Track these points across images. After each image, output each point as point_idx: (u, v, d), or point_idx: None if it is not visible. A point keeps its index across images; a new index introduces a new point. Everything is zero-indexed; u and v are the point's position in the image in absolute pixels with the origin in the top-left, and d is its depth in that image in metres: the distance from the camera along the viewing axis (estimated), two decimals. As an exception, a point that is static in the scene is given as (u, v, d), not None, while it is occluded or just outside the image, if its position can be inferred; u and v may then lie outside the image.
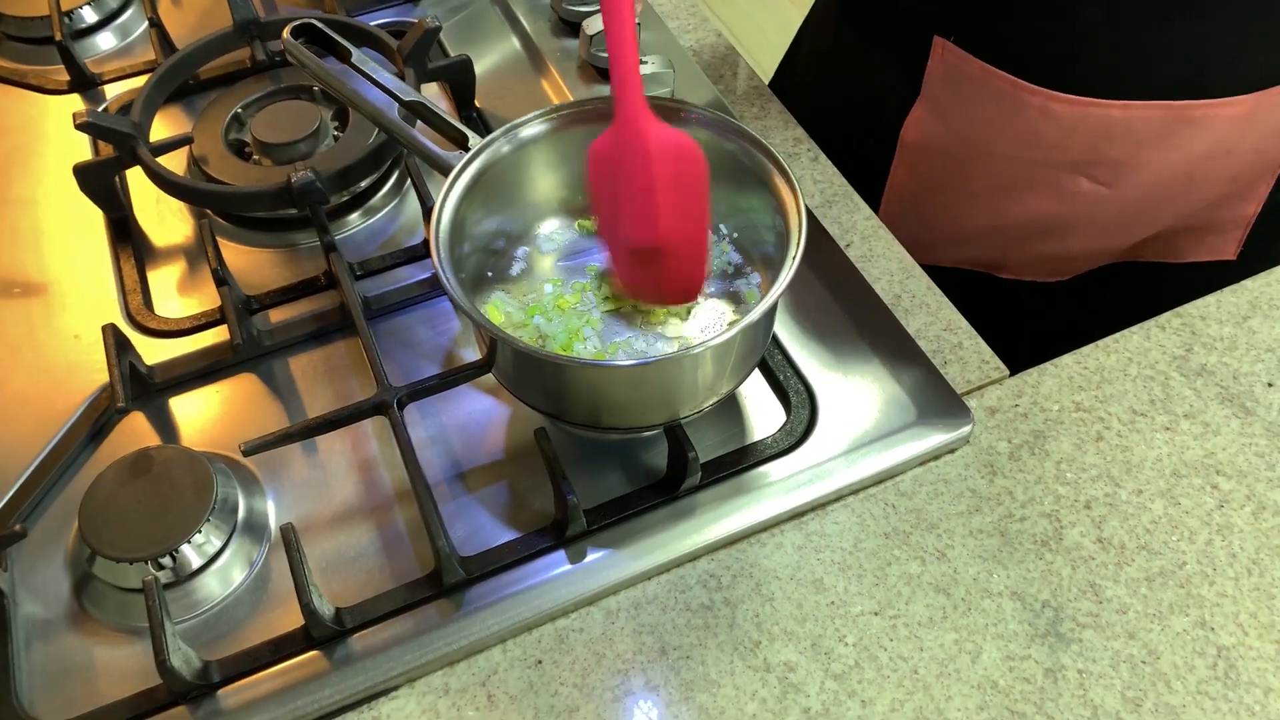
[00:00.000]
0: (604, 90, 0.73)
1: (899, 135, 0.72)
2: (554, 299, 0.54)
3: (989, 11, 0.64)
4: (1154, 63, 0.62)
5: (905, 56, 0.69)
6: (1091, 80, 0.63)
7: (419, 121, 0.56)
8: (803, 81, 0.85)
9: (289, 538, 0.47)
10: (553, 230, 0.57)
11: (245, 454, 0.50)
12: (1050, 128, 0.65)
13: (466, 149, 0.53)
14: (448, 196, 0.50)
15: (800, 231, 0.48)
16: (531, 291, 0.55)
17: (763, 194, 0.51)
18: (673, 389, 0.49)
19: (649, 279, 0.52)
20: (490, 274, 0.55)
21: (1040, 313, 0.73)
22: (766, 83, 0.80)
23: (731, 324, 0.49)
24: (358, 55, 0.56)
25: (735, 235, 0.55)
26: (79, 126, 0.63)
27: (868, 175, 0.73)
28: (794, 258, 0.47)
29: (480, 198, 0.52)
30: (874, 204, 0.74)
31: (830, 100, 0.79)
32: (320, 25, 0.56)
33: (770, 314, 0.49)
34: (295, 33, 0.56)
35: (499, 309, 0.53)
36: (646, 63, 0.68)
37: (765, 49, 2.37)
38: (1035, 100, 0.64)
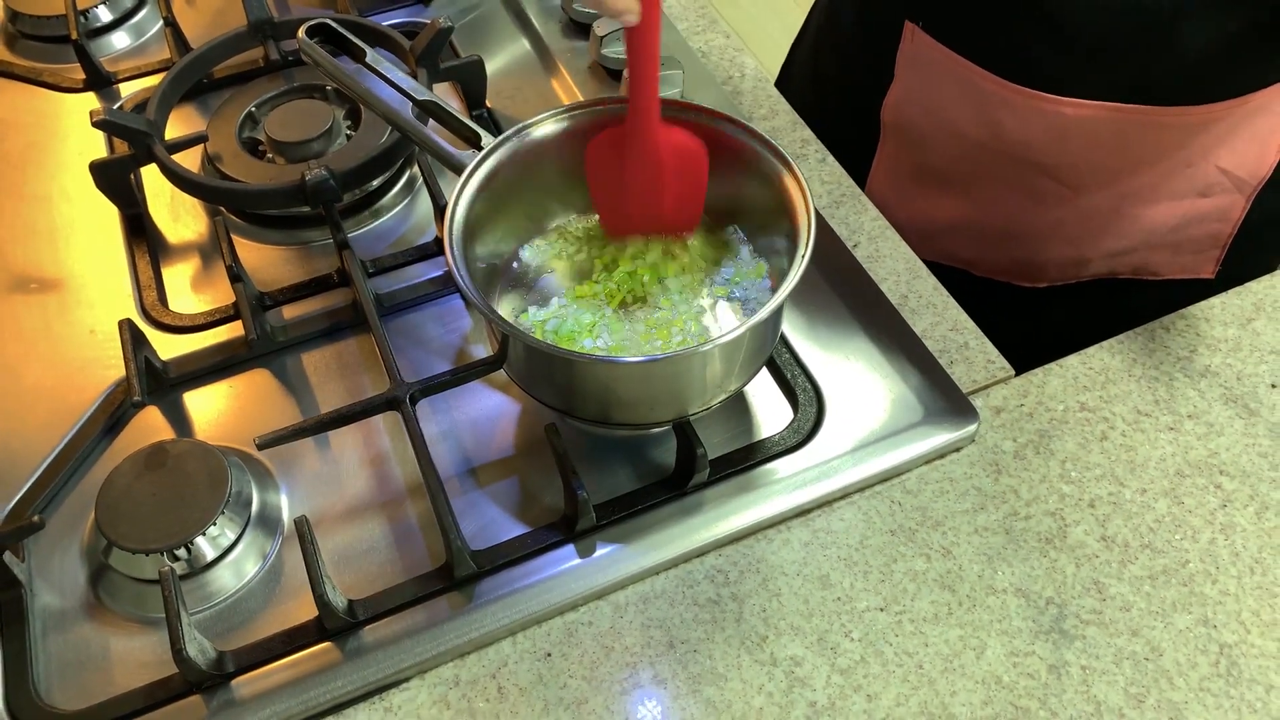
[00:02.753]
0: (614, 90, 0.73)
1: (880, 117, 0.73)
2: (567, 295, 0.54)
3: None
4: (1107, 65, 0.62)
5: (882, 38, 0.70)
6: (1045, 75, 0.63)
7: (431, 121, 0.57)
8: (801, 74, 0.86)
9: (303, 530, 0.48)
10: (564, 228, 0.58)
11: (260, 448, 0.51)
12: (1009, 119, 0.66)
13: (479, 148, 0.53)
14: (461, 194, 0.51)
15: (809, 231, 0.48)
16: (542, 288, 0.55)
17: (771, 193, 0.51)
18: (682, 385, 0.49)
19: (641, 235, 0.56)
20: (501, 271, 0.56)
21: (1021, 320, 0.73)
22: (773, 83, 0.81)
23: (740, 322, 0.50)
24: (372, 55, 0.57)
25: (744, 234, 0.56)
26: (96, 124, 0.63)
27: (863, 162, 0.74)
28: (803, 257, 0.47)
29: (493, 195, 0.53)
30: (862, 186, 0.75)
31: (824, 87, 0.80)
32: (335, 25, 0.57)
33: (778, 313, 0.49)
34: (310, 32, 0.57)
35: (510, 305, 0.54)
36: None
37: (770, 50, 2.38)
38: (994, 90, 0.65)
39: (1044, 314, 0.76)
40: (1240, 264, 0.71)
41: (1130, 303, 0.73)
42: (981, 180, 0.71)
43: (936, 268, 0.74)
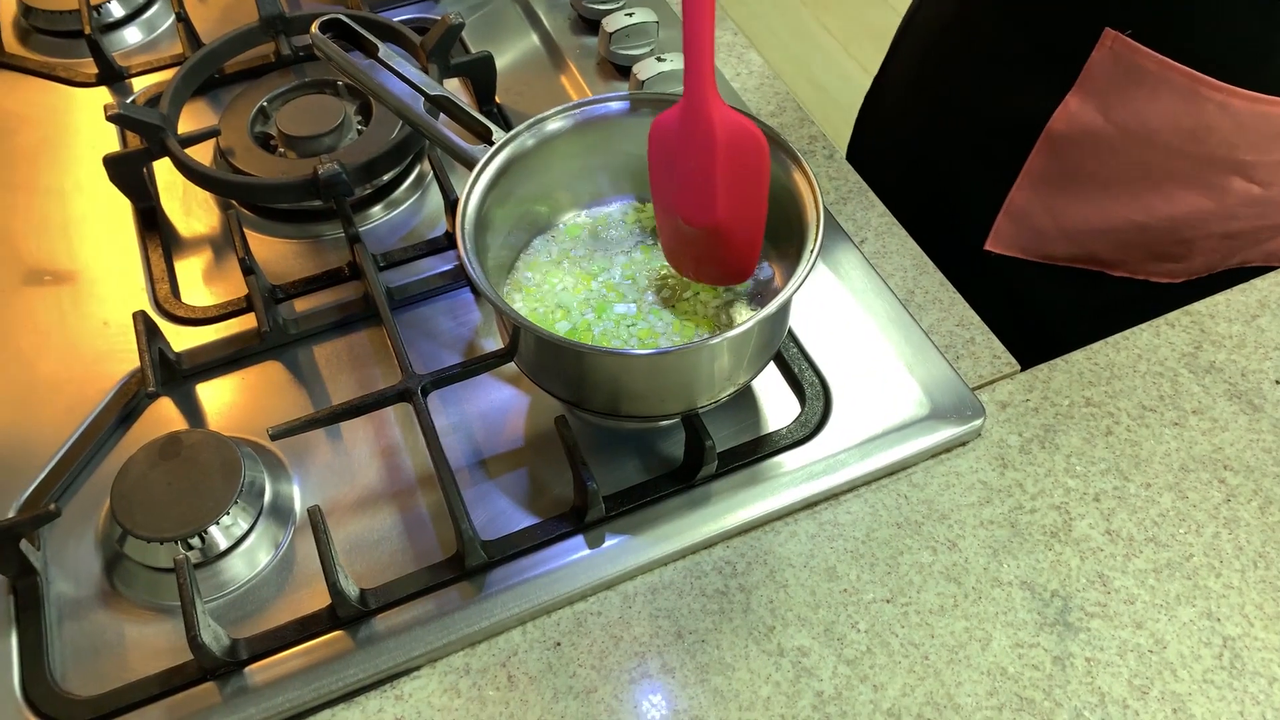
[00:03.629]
0: (623, 87, 0.74)
1: (1044, 125, 0.71)
2: (574, 289, 0.55)
3: (1173, 6, 0.63)
4: None
5: (1060, 49, 0.69)
6: (1274, 77, 0.62)
7: (443, 116, 0.58)
8: (904, 78, 0.85)
9: (317, 520, 0.48)
10: (574, 222, 0.58)
11: (273, 438, 0.51)
12: (1225, 123, 0.65)
13: (490, 142, 0.54)
14: (473, 188, 0.52)
15: (818, 227, 0.49)
16: (552, 282, 0.56)
17: (781, 189, 0.52)
18: (690, 378, 0.50)
19: (700, 258, 0.53)
20: (512, 264, 0.56)
21: (1145, 316, 0.73)
22: (773, 80, 0.81)
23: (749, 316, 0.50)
24: (384, 50, 0.57)
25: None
26: (110, 118, 0.64)
27: (991, 166, 0.73)
28: (812, 252, 0.48)
29: (504, 190, 0.53)
30: (1001, 191, 0.74)
31: (944, 100, 0.79)
32: (348, 20, 0.58)
33: (787, 307, 0.50)
34: (323, 27, 0.58)
35: (519, 298, 0.55)
36: (665, 60, 0.70)
37: (775, 48, 2.38)
38: (1215, 96, 0.64)
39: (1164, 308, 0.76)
40: None
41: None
42: (1157, 184, 0.70)
43: (1068, 271, 0.73)
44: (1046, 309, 0.76)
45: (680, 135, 0.51)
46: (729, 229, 0.51)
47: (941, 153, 0.76)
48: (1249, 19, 0.62)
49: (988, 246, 0.75)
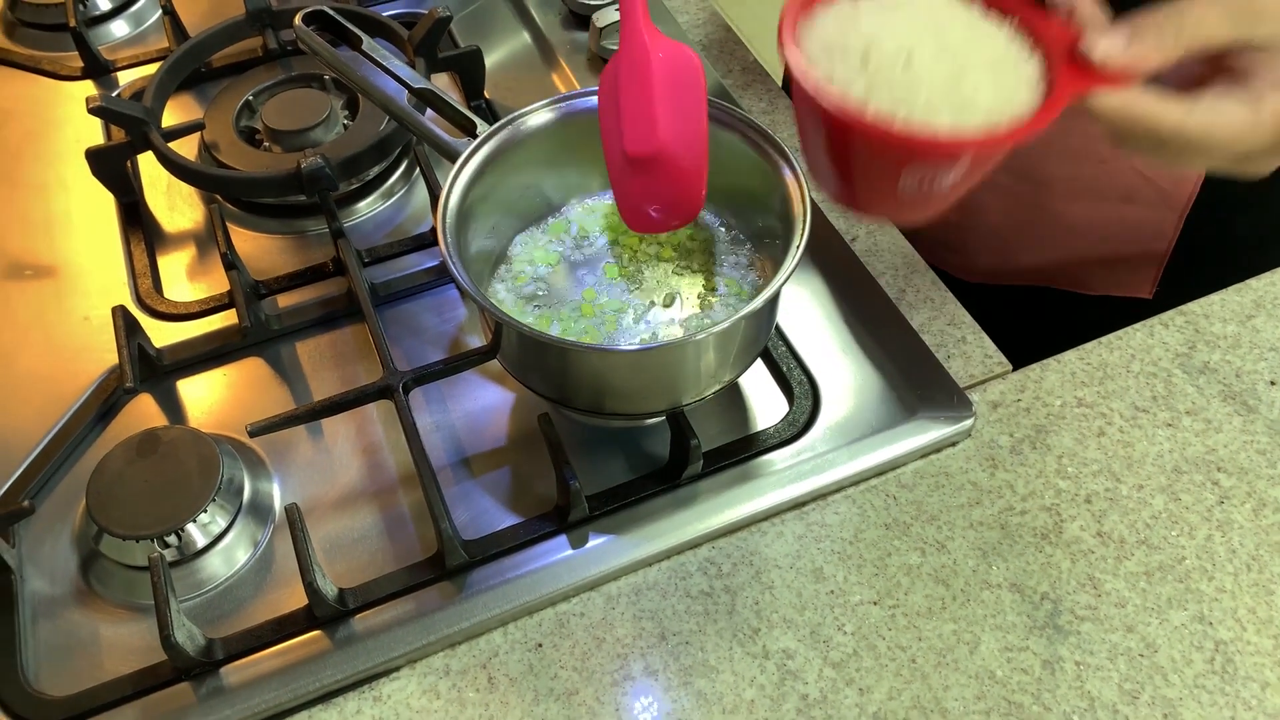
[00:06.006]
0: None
1: None
2: (560, 283, 0.54)
3: None
4: None
5: None
6: None
7: (429, 110, 0.57)
8: None
9: (294, 518, 0.48)
10: (560, 216, 0.57)
11: (251, 435, 0.51)
12: None
13: (474, 136, 0.53)
14: (455, 182, 0.51)
15: (804, 221, 0.48)
16: (535, 277, 0.55)
17: (768, 184, 0.51)
18: (675, 375, 0.49)
19: (650, 199, 0.51)
20: (497, 259, 0.56)
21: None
22: (779, 78, 0.80)
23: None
24: (368, 43, 0.57)
25: (741, 224, 0.56)
26: (92, 111, 0.63)
27: None
28: (797, 247, 0.47)
29: (488, 183, 0.53)
30: None
31: None
32: (332, 13, 0.57)
33: (773, 303, 0.49)
34: (307, 20, 0.57)
35: (503, 294, 0.54)
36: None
37: (772, 45, 2.37)
38: None
39: (984, 315, 0.74)
40: (1179, 287, 0.67)
41: (1069, 318, 0.70)
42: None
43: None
44: None
45: (620, 70, 0.50)
46: (672, 153, 0.49)
47: None
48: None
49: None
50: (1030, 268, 0.74)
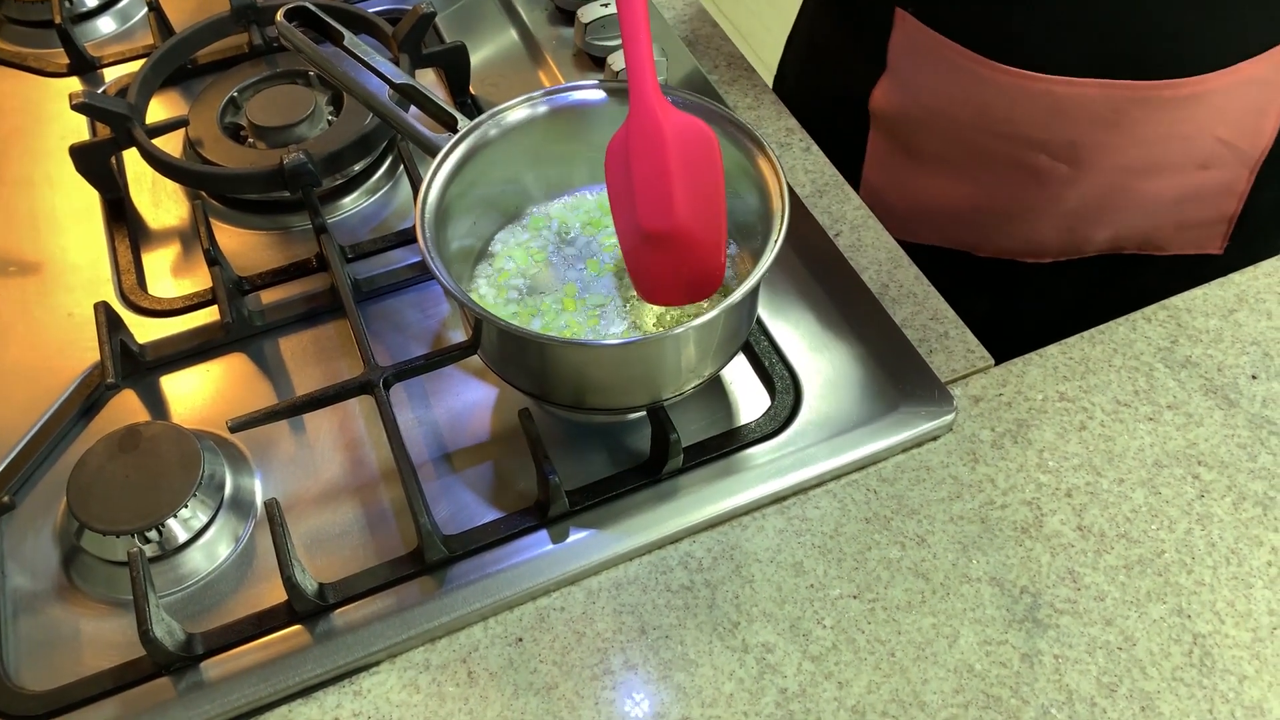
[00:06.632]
0: (598, 77, 0.73)
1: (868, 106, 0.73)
2: (542, 278, 0.54)
3: None
4: (1091, 39, 0.62)
5: (871, 29, 0.70)
6: (1030, 54, 0.63)
7: (412, 106, 0.57)
8: (793, 68, 0.86)
9: (273, 512, 0.48)
10: (541, 212, 0.57)
11: (232, 430, 0.51)
12: (999, 100, 0.65)
13: (455, 132, 0.53)
14: (435, 177, 0.51)
15: (783, 213, 0.48)
16: (517, 272, 0.55)
17: (747, 177, 0.51)
18: (655, 370, 0.49)
19: (667, 272, 0.51)
20: (478, 255, 0.56)
21: (1031, 299, 0.73)
22: (769, 76, 0.81)
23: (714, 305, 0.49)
24: (350, 38, 0.56)
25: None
26: (75, 107, 0.63)
27: (853, 153, 0.73)
28: (776, 240, 0.47)
29: (468, 178, 0.53)
30: (857, 180, 0.74)
31: (815, 81, 0.80)
32: (314, 8, 0.57)
33: (753, 296, 0.49)
34: (289, 15, 0.57)
35: (485, 289, 0.54)
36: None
37: (767, 45, 2.37)
38: (984, 72, 0.64)
39: (1052, 291, 0.75)
40: (1249, 241, 0.70)
41: (1139, 279, 0.72)
42: (978, 163, 0.71)
43: (940, 251, 0.74)
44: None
45: (630, 142, 0.50)
46: (689, 229, 0.49)
47: (811, 130, 0.75)
48: None
49: None
50: (1104, 240, 0.74)
